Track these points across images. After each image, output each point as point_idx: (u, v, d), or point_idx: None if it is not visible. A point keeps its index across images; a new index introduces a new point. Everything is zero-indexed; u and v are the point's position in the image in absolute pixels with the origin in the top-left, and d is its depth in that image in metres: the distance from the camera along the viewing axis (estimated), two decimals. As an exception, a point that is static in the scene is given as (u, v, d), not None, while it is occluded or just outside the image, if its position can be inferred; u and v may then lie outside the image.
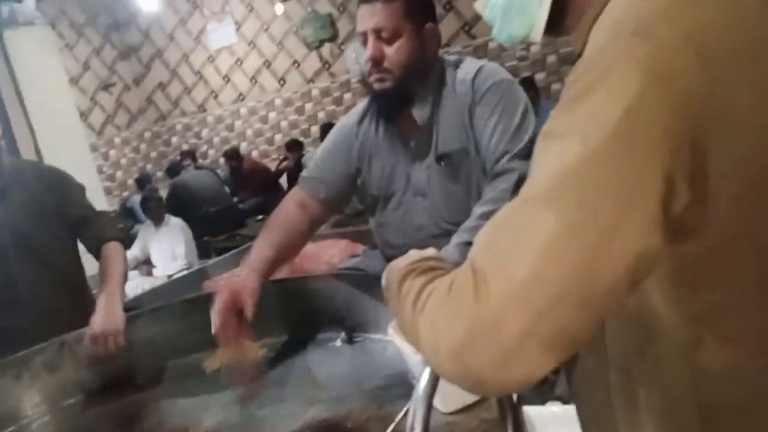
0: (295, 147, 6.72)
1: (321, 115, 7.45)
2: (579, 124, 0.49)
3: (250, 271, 1.43)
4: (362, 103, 1.59)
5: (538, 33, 0.64)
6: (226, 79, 7.93)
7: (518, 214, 0.51)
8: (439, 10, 6.52)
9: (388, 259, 1.53)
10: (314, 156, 1.63)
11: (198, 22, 7.90)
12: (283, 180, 6.89)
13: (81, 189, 1.86)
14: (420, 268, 0.61)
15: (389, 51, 1.38)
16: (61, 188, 1.79)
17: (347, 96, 7.28)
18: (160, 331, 1.61)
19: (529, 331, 0.48)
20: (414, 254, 0.67)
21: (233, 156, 6.95)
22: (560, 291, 0.48)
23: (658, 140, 0.47)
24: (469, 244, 1.24)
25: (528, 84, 5.34)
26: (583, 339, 0.51)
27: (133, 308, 1.71)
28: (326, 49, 7.22)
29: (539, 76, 6.02)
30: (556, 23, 0.64)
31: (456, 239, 1.34)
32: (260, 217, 6.46)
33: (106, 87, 7.97)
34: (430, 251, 0.69)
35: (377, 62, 1.39)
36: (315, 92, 7.45)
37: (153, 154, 8.69)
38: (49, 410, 1.47)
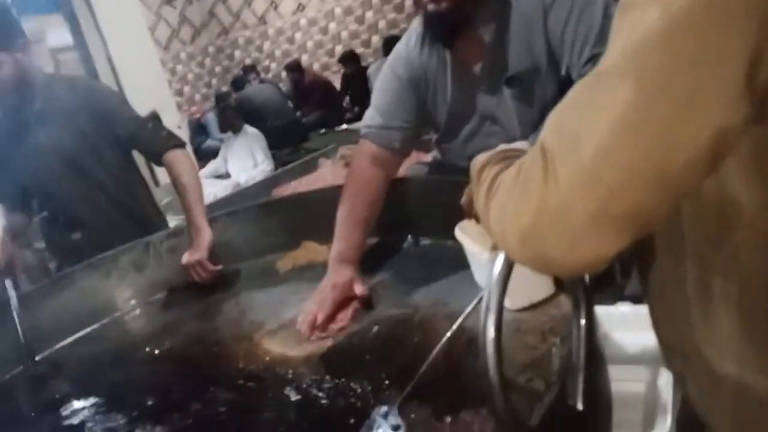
0: (350, 59, 6.61)
1: (382, 23, 7.25)
2: None
3: (346, 266, 1.29)
4: (414, 27, 1.43)
5: None
6: (287, -12, 7.78)
7: (590, 90, 0.49)
8: None
9: None
10: (374, 102, 1.45)
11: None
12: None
13: (119, 99, 1.80)
14: (498, 157, 0.61)
15: None
16: (99, 104, 1.73)
17: (408, 2, 7.02)
18: (237, 234, 1.69)
19: (600, 211, 0.47)
20: (498, 148, 0.65)
21: (295, 69, 6.91)
22: (633, 167, 0.46)
23: (747, 8, 0.43)
24: None
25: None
26: (656, 220, 0.49)
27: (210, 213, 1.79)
28: (387, -48, 6.91)
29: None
30: None
31: (531, 138, 1.29)
32: (323, 130, 6.50)
33: (169, 1, 7.98)
34: (518, 144, 0.68)
35: None
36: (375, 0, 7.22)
37: (218, 69, 8.76)
38: (137, 305, 1.59)
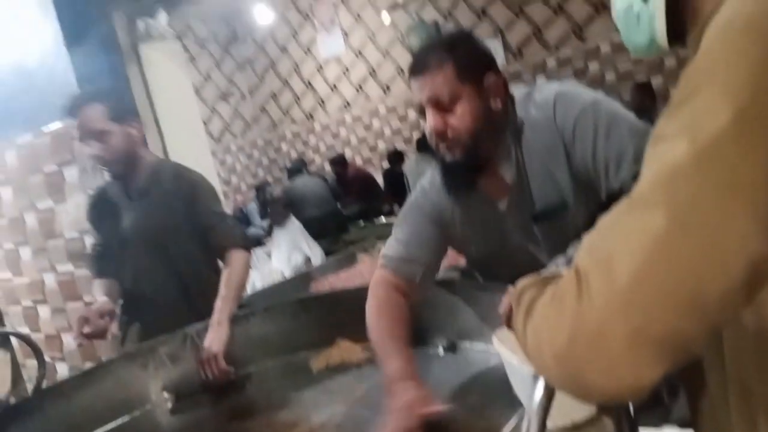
0: (397, 158, 6.83)
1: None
2: (687, 124, 0.47)
3: (413, 383, 1.18)
4: (432, 170, 1.41)
5: (662, 42, 0.62)
6: (334, 88, 8.20)
7: (624, 216, 0.50)
8: (547, 12, 6.37)
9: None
10: (395, 232, 1.43)
11: (308, 33, 8.23)
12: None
13: (212, 194, 1.91)
14: (538, 281, 0.61)
15: (452, 120, 1.23)
16: (193, 194, 1.85)
17: (451, 103, 7.29)
18: (273, 330, 1.69)
19: (636, 334, 0.46)
20: (536, 274, 0.66)
21: (338, 163, 7.16)
22: (668, 293, 0.46)
23: None
24: None
25: (644, 90, 5.04)
26: (695, 346, 0.48)
27: (247, 306, 1.81)
28: (431, 56, 7.28)
29: (656, 81, 5.70)
30: (679, 32, 0.61)
31: (571, 252, 1.27)
32: (362, 223, 6.61)
33: (224, 97, 8.50)
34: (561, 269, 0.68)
35: (441, 134, 1.24)
36: (419, 100, 7.53)
37: (265, 161, 9.13)
38: (170, 398, 1.58)
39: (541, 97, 1.27)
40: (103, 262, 1.95)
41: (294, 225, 5.09)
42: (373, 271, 2.26)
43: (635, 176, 1.20)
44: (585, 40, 6.21)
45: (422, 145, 5.78)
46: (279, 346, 1.65)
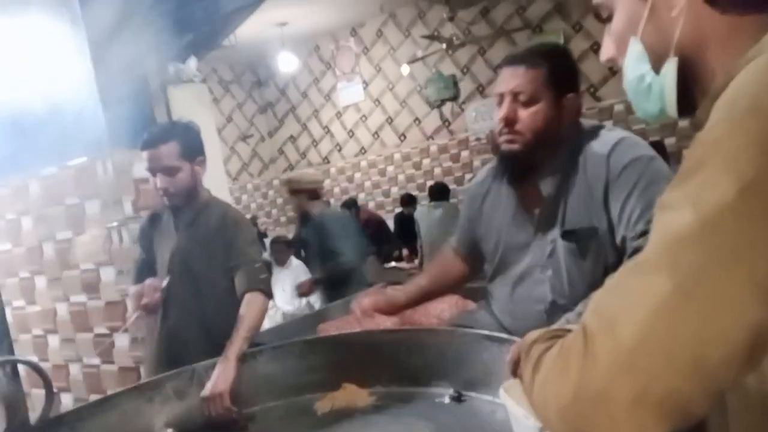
0: (410, 202, 6.86)
1: (437, 170, 7.57)
2: (693, 195, 0.49)
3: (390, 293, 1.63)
4: (492, 164, 1.61)
5: (672, 112, 0.65)
6: (351, 133, 8.34)
7: (630, 278, 0.52)
8: (562, 71, 6.48)
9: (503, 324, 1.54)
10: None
11: (329, 81, 8.43)
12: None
13: (250, 236, 1.95)
14: (546, 336, 0.62)
15: (524, 114, 1.37)
16: (232, 233, 1.91)
17: (464, 153, 7.36)
18: (279, 369, 1.68)
19: (639, 395, 0.48)
20: (546, 328, 0.68)
21: (351, 206, 7.21)
22: (670, 356, 0.47)
23: None
24: None
25: (657, 149, 5.08)
26: (697, 409, 0.49)
27: (255, 344, 1.81)
28: (447, 107, 7.39)
29: (669, 141, 5.75)
30: (689, 103, 0.64)
31: (581, 308, 1.31)
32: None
33: (244, 138, 8.67)
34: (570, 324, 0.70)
35: (510, 122, 1.38)
36: (433, 148, 7.61)
37: (279, 201, 9.22)
38: (174, 434, 1.57)
39: (607, 135, 1.39)
40: (143, 274, 2.01)
41: (295, 265, 5.07)
42: (381, 316, 2.27)
43: (639, 236, 1.25)
44: (600, 99, 6.31)
45: (435, 193, 5.80)
46: (285, 387, 1.64)
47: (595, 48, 6.27)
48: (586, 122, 1.46)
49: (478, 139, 7.15)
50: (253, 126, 8.94)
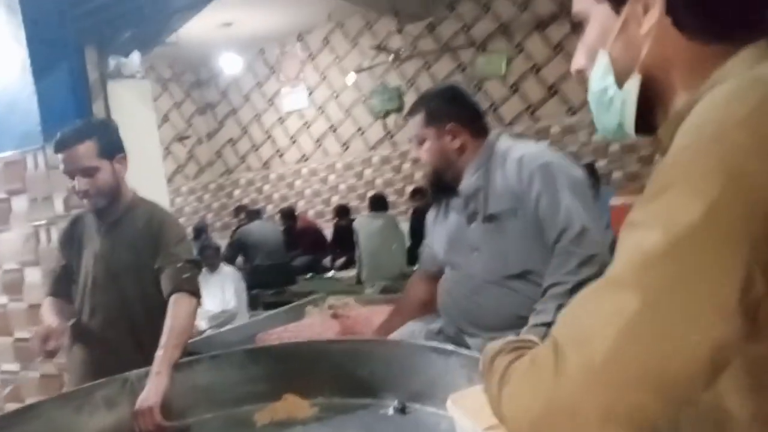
0: (342, 213, 6.87)
1: (379, 181, 7.62)
2: (661, 215, 0.52)
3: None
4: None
5: (630, 129, 0.67)
6: (293, 140, 8.27)
7: (600, 295, 0.54)
8: (504, 91, 6.69)
9: (451, 325, 1.73)
10: None
11: (273, 86, 8.34)
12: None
13: (177, 236, 1.86)
14: (509, 347, 0.64)
15: (421, 151, 1.75)
16: (157, 233, 1.84)
17: (406, 165, 7.45)
18: (217, 379, 1.64)
19: (607, 410, 0.50)
20: (508, 338, 0.69)
21: (288, 215, 7.14)
22: (638, 373, 0.49)
23: (740, 234, 0.49)
24: (545, 325, 1.32)
25: (589, 171, 5.33)
26: (662, 423, 0.52)
27: (190, 353, 1.75)
28: (391, 119, 7.47)
29: (601, 163, 6.02)
30: (646, 122, 0.67)
31: (533, 320, 1.44)
32: (309, 275, 6.55)
33: (181, 139, 8.42)
34: (528, 335, 0.71)
35: (420, 160, 1.79)
36: (375, 159, 7.66)
37: (215, 205, 9.02)
38: (102, 445, 1.50)
39: (518, 145, 1.70)
40: (60, 284, 1.93)
41: (224, 272, 4.96)
42: (324, 325, 2.26)
43: (558, 236, 1.53)
44: (538, 120, 6.54)
45: (374, 203, 5.83)
46: (223, 397, 1.60)
47: (536, 69, 6.51)
48: (503, 138, 1.77)
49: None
50: (191, 127, 8.71)
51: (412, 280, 2.05)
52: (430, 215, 1.91)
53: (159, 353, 1.60)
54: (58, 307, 1.87)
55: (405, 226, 6.06)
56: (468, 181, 1.71)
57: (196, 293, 1.76)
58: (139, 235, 1.84)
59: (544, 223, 1.56)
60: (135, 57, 2.56)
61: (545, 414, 0.52)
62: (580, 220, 1.51)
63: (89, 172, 1.79)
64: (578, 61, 0.70)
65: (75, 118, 2.24)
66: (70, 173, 1.80)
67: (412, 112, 1.75)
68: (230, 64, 7.46)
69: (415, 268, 5.91)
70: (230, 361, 1.68)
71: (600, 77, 0.67)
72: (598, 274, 0.56)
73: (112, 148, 1.84)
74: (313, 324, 2.42)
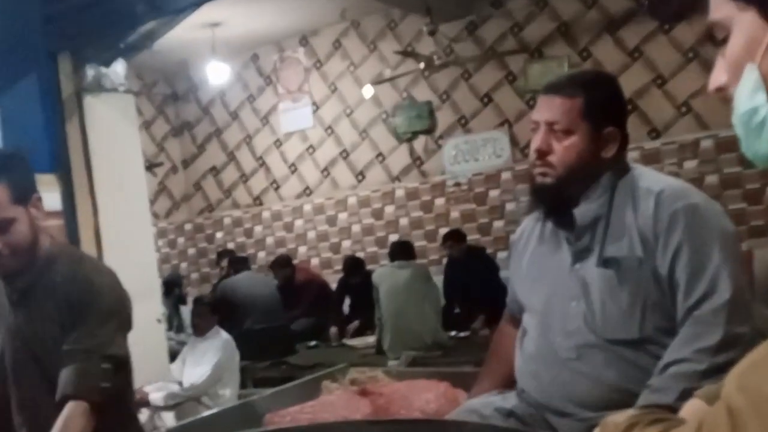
0: (354, 267, 6.83)
1: (404, 221, 7.64)
2: None
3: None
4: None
5: None
6: (293, 168, 8.38)
7: None
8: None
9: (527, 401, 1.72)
10: None
11: (269, 100, 8.51)
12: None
13: (106, 312, 1.82)
14: (646, 419, 0.69)
15: (558, 146, 1.68)
16: (78, 304, 1.80)
17: (439, 201, 7.48)
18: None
19: None
20: (629, 411, 0.74)
21: (284, 264, 7.10)
22: None
23: None
24: (660, 407, 1.35)
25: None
26: None
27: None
28: (420, 142, 7.52)
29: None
30: None
31: (646, 399, 1.46)
32: (313, 342, 6.54)
33: (150, 166, 8.53)
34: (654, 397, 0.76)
35: (542, 154, 1.69)
36: (399, 193, 7.72)
37: (191, 251, 9.10)
38: None
39: (656, 176, 1.71)
40: None
41: (218, 339, 4.99)
42: (348, 404, 2.30)
43: (698, 302, 1.52)
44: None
45: (398, 250, 5.85)
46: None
47: (606, 81, 6.60)
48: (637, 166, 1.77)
49: (457, 184, 7.33)
50: (163, 152, 8.89)
51: (500, 327, 2.06)
52: (519, 240, 1.91)
53: None
54: None
55: (438, 279, 6.09)
56: (587, 207, 1.68)
57: (94, 402, 1.74)
58: (54, 304, 1.81)
59: (680, 282, 1.55)
60: (118, 67, 2.68)
61: None
62: (729, 287, 1.49)
63: (2, 227, 1.75)
64: (719, 78, 0.76)
65: (44, 139, 2.35)
66: None
67: (559, 90, 1.70)
68: (216, 74, 7.63)
69: (452, 333, 6.03)
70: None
71: (748, 96, 0.72)
72: (740, 358, 0.62)
73: (26, 187, 1.81)
74: (336, 403, 2.44)
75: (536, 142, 1.70)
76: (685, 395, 1.36)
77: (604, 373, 1.60)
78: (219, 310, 6.08)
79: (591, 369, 1.62)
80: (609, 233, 1.65)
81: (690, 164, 6.23)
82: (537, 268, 1.82)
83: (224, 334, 5.08)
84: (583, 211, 1.68)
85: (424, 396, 2.31)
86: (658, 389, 1.47)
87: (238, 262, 6.93)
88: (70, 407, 1.71)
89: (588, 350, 1.63)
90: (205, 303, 5.42)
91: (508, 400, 1.79)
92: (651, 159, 6.29)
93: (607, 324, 1.62)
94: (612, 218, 1.66)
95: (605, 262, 1.64)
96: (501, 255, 6.80)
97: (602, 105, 1.69)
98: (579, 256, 1.70)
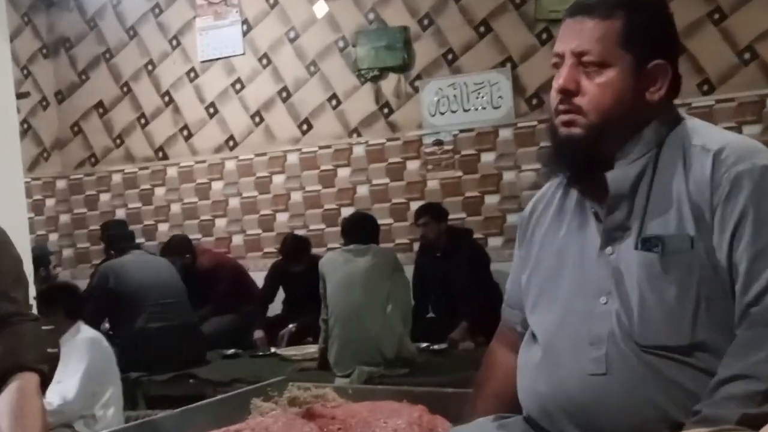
0: (295, 250, 6.88)
1: (363, 190, 7.61)
2: None
3: None
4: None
5: None
6: (212, 110, 8.32)
7: None
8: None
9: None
10: None
11: (181, 12, 8.40)
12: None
13: (13, 272, 2.01)
14: None
15: (589, 85, 1.67)
16: None
17: (412, 165, 7.46)
18: None
19: None
20: None
21: (180, 250, 7.13)
22: None
23: None
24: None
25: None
26: None
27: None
28: (389, 83, 7.52)
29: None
30: None
31: (694, 428, 1.45)
32: (230, 351, 6.51)
33: (17, 96, 8.43)
34: None
35: (568, 95, 1.68)
36: (359, 151, 7.70)
37: (64, 218, 9.01)
38: None
39: (712, 130, 1.74)
40: None
41: (80, 340, 4.94)
42: (287, 429, 2.32)
43: (762, 293, 1.53)
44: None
45: (352, 231, 5.83)
46: None
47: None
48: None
49: (438, 143, 7.32)
50: (29, 77, 8.76)
51: (492, 348, 2.08)
52: (531, 217, 1.93)
53: None
54: None
55: (408, 270, 6.10)
56: (625, 168, 1.69)
57: (47, 373, 1.93)
58: None
59: (739, 268, 1.55)
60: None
61: None
62: None
63: None
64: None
65: None
66: None
67: (591, 10, 1.68)
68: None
69: (423, 345, 6.02)
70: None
71: None
72: None
73: None
74: (271, 427, 2.43)
75: (560, 79, 1.68)
76: (746, 422, 1.40)
77: (642, 391, 1.59)
78: (96, 305, 5.99)
79: (625, 386, 1.61)
80: (651, 205, 1.66)
81: (752, 129, 6.33)
82: (553, 254, 1.81)
83: (88, 332, 4.99)
84: (619, 175, 1.68)
85: (393, 422, 2.33)
86: (708, 417, 1.46)
87: (121, 238, 6.83)
88: (23, 380, 1.84)
89: (621, 362, 1.62)
90: (68, 288, 5.32)
91: (510, 428, 1.81)
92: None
93: (648, 326, 1.61)
94: (656, 185, 1.67)
95: (646, 244, 1.64)
96: (494, 242, 6.85)
97: (648, 30, 1.69)
98: (611, 235, 1.70)
